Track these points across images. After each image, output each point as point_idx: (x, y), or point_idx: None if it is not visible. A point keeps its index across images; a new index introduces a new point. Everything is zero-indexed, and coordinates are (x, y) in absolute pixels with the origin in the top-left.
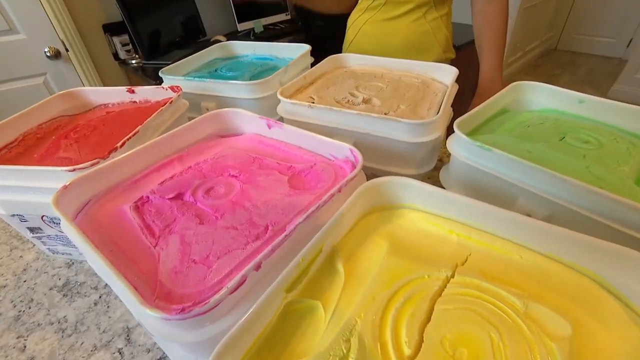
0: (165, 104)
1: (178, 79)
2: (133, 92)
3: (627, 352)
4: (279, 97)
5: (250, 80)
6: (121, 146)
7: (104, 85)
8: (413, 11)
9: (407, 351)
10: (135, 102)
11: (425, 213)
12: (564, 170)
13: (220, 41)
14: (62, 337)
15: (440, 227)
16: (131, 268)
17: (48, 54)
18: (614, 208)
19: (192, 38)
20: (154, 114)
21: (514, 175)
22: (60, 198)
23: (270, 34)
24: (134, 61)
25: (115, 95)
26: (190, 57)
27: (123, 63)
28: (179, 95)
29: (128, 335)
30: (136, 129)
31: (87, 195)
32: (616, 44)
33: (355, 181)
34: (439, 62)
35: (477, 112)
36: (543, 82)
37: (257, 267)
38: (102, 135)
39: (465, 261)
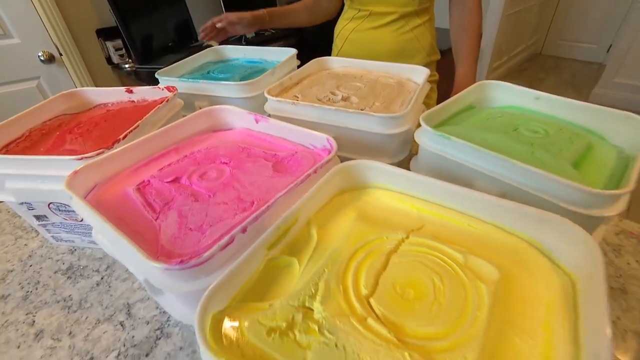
0: (161, 102)
1: (173, 80)
2: (131, 92)
3: (548, 295)
4: (266, 95)
5: (240, 81)
6: (123, 138)
7: None
8: (397, 21)
9: (364, 292)
10: (133, 101)
11: (390, 191)
12: (513, 155)
13: (212, 46)
14: (68, 312)
15: (402, 203)
16: (136, 237)
17: (42, 58)
18: (551, 185)
19: (185, 42)
20: (152, 111)
21: (471, 160)
22: (71, 182)
23: (261, 39)
24: (127, 65)
25: (114, 95)
26: (184, 60)
27: (116, 67)
28: (174, 95)
29: (129, 310)
30: (136, 124)
31: (94, 180)
32: (597, 50)
33: (330, 164)
34: (425, 65)
35: (443, 107)
36: (528, 85)
37: (244, 230)
38: (104, 130)
39: (421, 228)
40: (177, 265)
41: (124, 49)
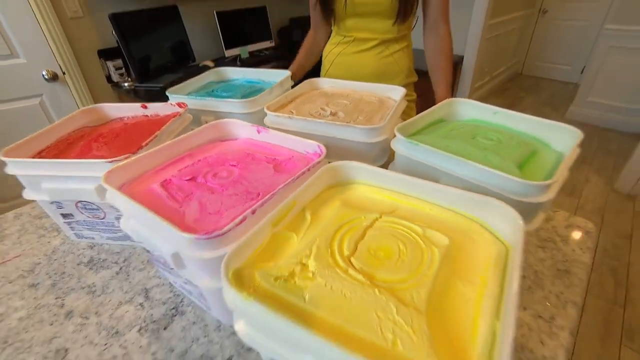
0: (173, 117)
1: (183, 97)
2: (145, 107)
3: (487, 257)
4: (266, 111)
5: (242, 99)
6: (145, 145)
7: None
8: (378, 46)
9: (346, 253)
10: (147, 115)
11: (369, 186)
12: (469, 157)
13: (208, 66)
14: (93, 296)
15: (379, 194)
16: (165, 219)
17: (46, 77)
18: (498, 180)
19: (182, 63)
20: (168, 123)
21: (436, 162)
22: (107, 179)
23: (255, 60)
24: (126, 84)
25: (130, 110)
26: (190, 80)
27: (115, 85)
28: (185, 110)
29: (146, 294)
30: (155, 134)
31: (122, 180)
32: (572, 71)
33: (320, 164)
34: (403, 85)
35: (415, 121)
36: (510, 103)
37: (253, 212)
38: (124, 140)
39: (393, 212)
40: (204, 235)
41: (123, 68)
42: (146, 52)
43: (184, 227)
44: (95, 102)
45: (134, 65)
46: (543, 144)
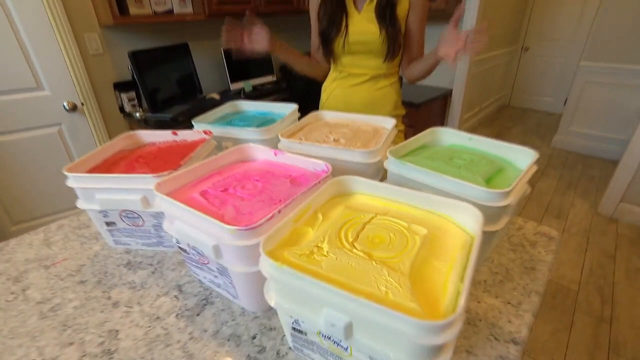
0: (199, 142)
1: (207, 125)
2: (176, 134)
3: (456, 244)
4: (280, 137)
5: (257, 127)
6: (183, 164)
7: (109, 134)
8: (368, 81)
9: (350, 239)
10: (176, 141)
11: (366, 195)
12: (446, 173)
13: (215, 98)
14: (134, 291)
15: (374, 200)
16: None
17: (67, 108)
18: (468, 190)
19: (190, 95)
20: (199, 147)
21: (420, 177)
22: (158, 188)
23: (258, 93)
24: (137, 114)
25: (162, 136)
26: (211, 111)
27: (127, 115)
28: (211, 137)
29: (180, 288)
30: (189, 155)
31: (167, 190)
32: (555, 102)
33: (327, 179)
34: (391, 117)
35: (404, 145)
36: (498, 132)
37: (279, 211)
38: (161, 160)
39: (385, 213)
40: (244, 227)
41: (135, 100)
42: (158, 85)
43: (225, 223)
44: (108, 130)
45: (147, 97)
46: (508, 163)
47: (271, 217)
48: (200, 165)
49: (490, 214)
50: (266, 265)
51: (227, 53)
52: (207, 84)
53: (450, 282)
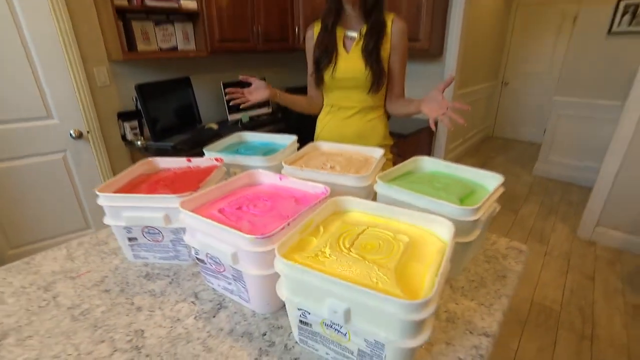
0: (212, 168)
1: (217, 154)
2: (190, 161)
3: (433, 250)
4: (284, 164)
5: (262, 156)
6: (200, 187)
7: (111, 161)
8: (357, 114)
9: (347, 246)
10: (190, 167)
11: (359, 212)
12: (427, 194)
13: (213, 128)
14: (155, 297)
15: (367, 216)
16: None
17: (72, 135)
18: (445, 207)
19: (190, 125)
20: (213, 172)
21: (404, 198)
22: (182, 205)
23: (254, 124)
24: (138, 142)
25: (177, 162)
26: (219, 141)
27: (129, 143)
28: (222, 164)
29: (196, 295)
30: (206, 179)
31: (190, 208)
32: (535, 133)
33: (327, 199)
34: (380, 146)
35: (391, 171)
36: (482, 162)
37: (289, 224)
38: (179, 183)
39: (375, 226)
40: (261, 235)
41: (137, 129)
42: (160, 115)
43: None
44: (110, 158)
45: (150, 126)
46: (479, 186)
47: (282, 228)
48: (216, 188)
49: (464, 228)
50: (280, 264)
51: (226, 86)
52: (206, 115)
53: (428, 278)
